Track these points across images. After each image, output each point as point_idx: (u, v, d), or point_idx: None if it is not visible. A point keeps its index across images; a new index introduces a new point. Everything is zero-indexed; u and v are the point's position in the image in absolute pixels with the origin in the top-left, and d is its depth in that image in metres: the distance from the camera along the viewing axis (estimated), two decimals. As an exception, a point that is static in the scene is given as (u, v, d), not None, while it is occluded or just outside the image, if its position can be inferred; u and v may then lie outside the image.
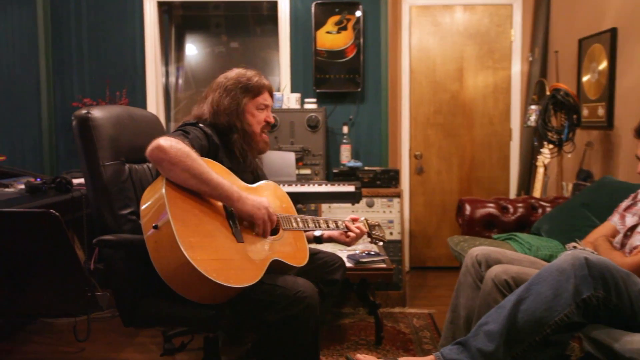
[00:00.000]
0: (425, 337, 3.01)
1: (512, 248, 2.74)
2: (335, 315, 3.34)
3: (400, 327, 3.16)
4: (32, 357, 2.80)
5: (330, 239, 2.18)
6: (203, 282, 1.51)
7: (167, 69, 4.56)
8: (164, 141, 1.61)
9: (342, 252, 2.95)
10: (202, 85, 4.64)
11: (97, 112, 1.77)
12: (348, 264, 2.75)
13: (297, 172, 3.66)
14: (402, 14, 4.32)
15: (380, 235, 2.27)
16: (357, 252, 2.98)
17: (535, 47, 4.18)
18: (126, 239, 1.70)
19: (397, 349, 2.85)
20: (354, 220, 2.18)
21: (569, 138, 3.45)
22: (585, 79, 3.57)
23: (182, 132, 1.81)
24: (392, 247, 3.62)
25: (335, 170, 3.83)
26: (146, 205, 1.64)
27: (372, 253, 2.96)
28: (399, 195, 3.71)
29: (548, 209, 3.18)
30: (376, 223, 2.31)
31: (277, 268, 1.78)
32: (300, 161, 3.77)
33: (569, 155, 3.56)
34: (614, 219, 2.31)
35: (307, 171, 3.80)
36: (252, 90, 1.98)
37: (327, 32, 4.07)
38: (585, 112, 3.54)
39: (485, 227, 3.21)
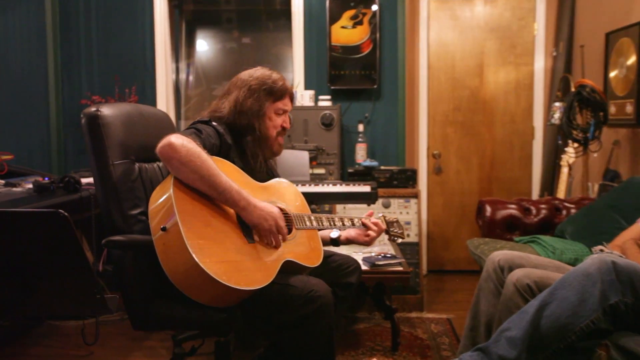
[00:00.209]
0: (443, 344, 2.99)
1: (535, 251, 2.72)
2: (350, 320, 3.34)
3: (418, 333, 3.14)
4: (40, 360, 2.84)
5: (348, 241, 2.16)
6: (213, 285, 1.52)
7: (178, 65, 4.59)
8: (176, 139, 1.61)
9: (358, 254, 2.95)
10: (213, 82, 4.67)
11: (107, 110, 1.78)
12: (363, 267, 2.74)
13: (310, 171, 3.66)
14: (420, 7, 4.31)
15: (399, 232, 2.26)
16: (373, 254, 2.98)
17: (560, 42, 4.14)
18: (136, 239, 1.72)
19: (414, 355, 2.84)
20: (369, 216, 2.17)
21: (595, 136, 3.42)
22: (612, 74, 3.53)
23: (195, 130, 1.82)
24: (409, 250, 3.61)
25: (350, 170, 3.83)
26: (154, 206, 1.65)
27: (389, 255, 2.95)
28: (416, 195, 3.70)
29: (573, 211, 3.16)
30: (394, 219, 2.29)
31: (289, 269, 1.78)
32: (314, 160, 3.77)
33: (595, 155, 3.53)
34: (643, 221, 2.28)
35: (321, 171, 3.80)
36: (275, 94, 1.98)
37: (342, 27, 4.07)
38: (612, 109, 3.50)
39: (506, 230, 3.19)
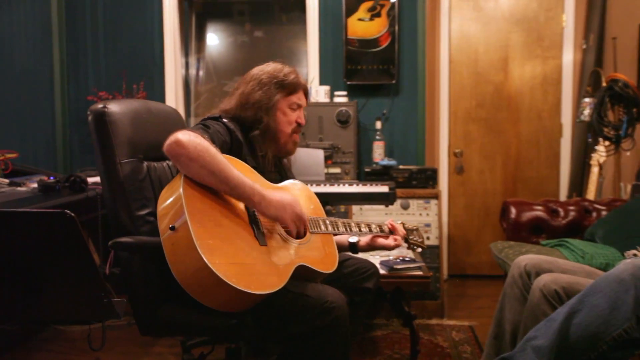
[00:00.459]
0: (465, 352, 2.97)
1: (563, 255, 2.70)
2: (367, 326, 3.33)
3: (438, 341, 3.13)
4: (45, 366, 2.88)
5: (369, 247, 2.16)
6: (222, 288, 1.52)
7: (187, 60, 4.61)
8: (183, 135, 1.62)
9: (375, 258, 2.94)
10: (224, 78, 4.69)
11: (114, 107, 1.79)
12: (381, 271, 2.73)
13: (325, 171, 3.66)
14: (441, -2, 4.30)
15: (419, 240, 2.25)
16: (391, 257, 2.97)
17: (590, 34, 4.09)
18: (144, 241, 1.72)
19: (435, 364, 2.83)
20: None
21: (627, 134, 3.39)
22: (646, 68, 3.49)
23: (202, 126, 1.83)
24: (429, 253, 3.60)
25: (367, 169, 3.83)
26: (163, 205, 1.65)
27: (407, 259, 2.94)
28: (436, 196, 3.68)
29: (603, 213, 3.13)
30: (414, 227, 2.29)
31: (303, 274, 1.78)
32: (329, 159, 3.77)
33: (628, 153, 3.49)
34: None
35: (337, 170, 3.80)
36: (287, 88, 1.99)
37: (359, 20, 4.06)
38: (646, 105, 3.45)
39: (532, 232, 3.17)
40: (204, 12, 4.73)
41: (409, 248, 2.25)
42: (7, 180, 2.87)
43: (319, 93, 3.94)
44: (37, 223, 1.55)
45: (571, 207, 3.21)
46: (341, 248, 2.09)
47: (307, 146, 3.72)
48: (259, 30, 4.70)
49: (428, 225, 3.65)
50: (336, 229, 1.99)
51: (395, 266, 2.84)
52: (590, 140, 3.85)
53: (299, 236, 1.84)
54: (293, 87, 2.00)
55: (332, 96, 3.98)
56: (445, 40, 4.32)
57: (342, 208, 3.66)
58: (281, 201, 1.73)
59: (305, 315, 1.69)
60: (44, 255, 1.59)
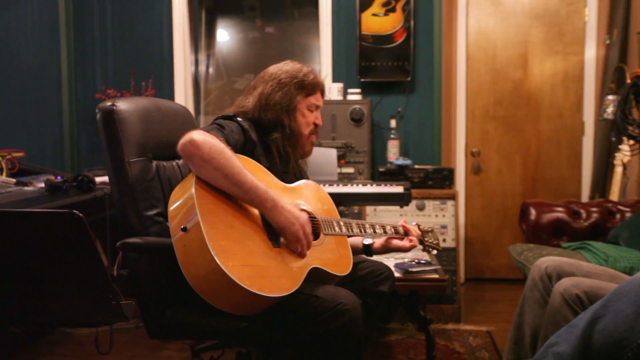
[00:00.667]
0: (482, 358, 2.96)
1: (585, 259, 2.68)
2: (381, 331, 3.32)
3: (455, 346, 3.12)
4: (52, 369, 2.90)
5: (384, 249, 2.15)
6: (235, 291, 1.52)
7: (197, 56, 4.63)
8: (198, 135, 1.63)
9: (389, 260, 2.93)
10: (235, 75, 4.70)
11: (123, 104, 1.80)
12: (396, 274, 2.73)
13: (338, 170, 3.66)
14: (458, -8, 4.28)
15: (434, 242, 2.25)
16: (406, 260, 2.96)
17: (614, 29, 4.06)
18: (153, 242, 1.73)
19: (451, 370, 2.82)
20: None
21: (653, 133, 3.36)
22: (672, 64, 3.45)
23: (217, 126, 1.83)
24: (445, 256, 3.58)
25: (381, 169, 3.82)
26: (175, 205, 1.66)
27: (423, 262, 2.93)
28: (453, 197, 3.67)
29: (628, 215, 3.11)
30: (429, 229, 2.28)
31: (316, 277, 1.78)
32: (342, 158, 3.77)
33: (653, 153, 3.46)
34: None
35: (350, 170, 3.80)
36: (307, 88, 2.00)
37: (374, 15, 4.06)
38: (672, 102, 3.42)
39: (553, 235, 3.15)
40: (214, 8, 4.74)
41: (424, 250, 2.25)
42: (13, 180, 2.89)
43: (332, 90, 3.94)
44: (45, 223, 1.56)
45: (594, 209, 3.18)
46: (355, 250, 2.09)
47: (320, 145, 3.71)
48: (270, 26, 4.71)
49: (444, 226, 3.64)
50: (350, 231, 2.00)
51: (410, 269, 2.83)
52: (613, 139, 3.81)
53: (313, 237, 1.84)
54: (312, 87, 2.01)
55: (345, 94, 3.98)
56: (463, 36, 4.30)
57: (356, 209, 3.66)
58: (293, 214, 1.72)
59: (317, 317, 1.69)
60: (51, 256, 1.60)
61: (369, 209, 3.67)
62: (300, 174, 2.11)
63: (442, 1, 4.11)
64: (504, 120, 4.36)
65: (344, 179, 3.70)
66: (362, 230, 2.04)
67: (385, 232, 2.12)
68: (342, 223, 1.98)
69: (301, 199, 1.93)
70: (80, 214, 1.43)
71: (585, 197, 4.25)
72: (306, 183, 2.04)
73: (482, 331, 3.36)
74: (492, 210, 4.42)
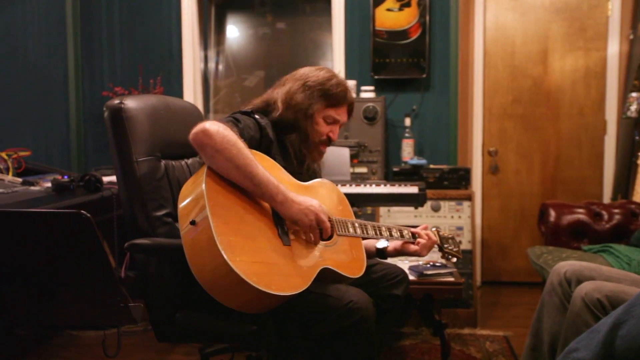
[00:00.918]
0: (500, 365, 2.96)
1: (606, 262, 2.67)
2: (394, 335, 3.32)
3: (471, 351, 3.11)
4: (59, 372, 2.93)
5: (397, 252, 2.15)
6: (242, 287, 1.53)
7: (206, 53, 4.65)
8: (211, 125, 1.64)
9: (404, 263, 2.93)
10: (245, 72, 4.71)
11: (131, 102, 1.82)
12: (410, 277, 2.73)
13: (351, 170, 3.66)
14: (475, -14, 4.27)
15: (454, 249, 2.24)
16: (421, 263, 2.96)
17: (638, 23, 4.03)
18: (162, 243, 1.75)
19: (467, 377, 2.82)
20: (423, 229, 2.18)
21: (678, 131, 3.33)
22: (698, 60, 3.42)
23: (233, 119, 1.85)
24: (461, 258, 3.56)
25: (395, 169, 3.81)
26: (185, 199, 1.68)
27: (438, 264, 2.92)
28: (469, 197, 3.66)
29: (651, 216, 3.08)
30: (449, 235, 2.28)
31: (327, 278, 1.79)
32: (355, 158, 3.77)
33: (678, 152, 3.43)
34: None
35: (364, 169, 3.80)
36: (330, 99, 1.99)
37: (388, 10, 4.05)
38: (698, 100, 3.39)
39: (573, 237, 3.14)
40: (224, 3, 4.76)
41: (443, 257, 2.25)
42: (20, 179, 2.92)
43: (345, 88, 3.94)
44: (52, 224, 1.58)
45: (616, 210, 3.17)
46: (368, 253, 2.09)
47: (332, 144, 3.72)
48: (281, 21, 4.72)
49: (460, 228, 3.63)
50: (365, 233, 1.99)
51: (425, 272, 2.83)
52: (637, 137, 3.78)
53: (325, 238, 1.84)
54: (336, 100, 2.00)
55: (358, 91, 3.98)
56: (480, 32, 4.29)
57: (369, 210, 3.65)
58: (305, 204, 1.74)
59: (328, 316, 1.70)
60: (59, 257, 1.62)
61: (382, 209, 3.66)
62: (315, 175, 2.12)
63: (458, -5, 4.10)
64: (523, 119, 4.34)
65: (357, 179, 3.70)
66: (378, 233, 2.04)
67: (402, 235, 2.12)
68: (356, 224, 1.98)
69: (316, 198, 1.94)
70: (88, 215, 1.45)
71: (607, 198, 4.22)
72: (321, 182, 2.04)
73: (499, 336, 3.34)
74: (509, 212, 4.40)
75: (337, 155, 3.37)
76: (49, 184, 2.80)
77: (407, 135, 4.01)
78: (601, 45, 4.24)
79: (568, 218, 3.14)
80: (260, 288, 1.52)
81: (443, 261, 3.02)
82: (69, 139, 4.40)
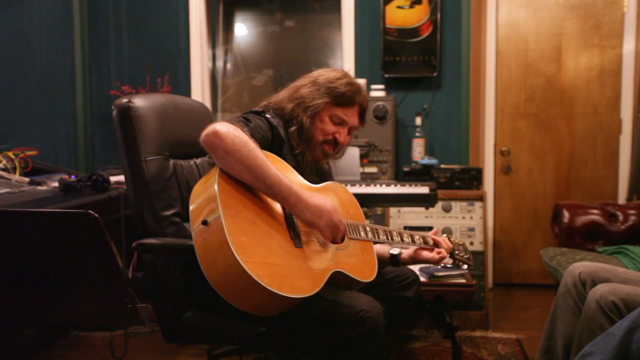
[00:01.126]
0: (512, 368, 2.95)
1: (621, 264, 2.66)
2: (405, 337, 3.32)
3: (482, 354, 3.11)
4: (66, 373, 2.95)
5: (411, 260, 2.15)
6: (253, 288, 1.53)
7: (214, 52, 4.66)
8: (221, 126, 1.65)
9: (414, 265, 2.93)
10: (253, 70, 4.72)
11: (140, 101, 1.83)
12: (421, 279, 2.72)
13: (361, 170, 3.66)
14: (488, -17, 4.25)
15: (466, 256, 2.24)
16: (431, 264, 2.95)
17: (653, 21, 4.01)
18: (170, 242, 1.75)
19: (479, 380, 2.81)
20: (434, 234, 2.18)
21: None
22: None
23: (243, 119, 1.86)
24: (473, 260, 3.55)
25: (406, 169, 3.81)
26: (196, 199, 1.68)
27: (449, 266, 2.92)
28: (481, 198, 3.65)
29: (668, 218, 3.06)
30: (460, 242, 2.28)
31: (339, 281, 1.79)
32: (365, 158, 3.77)
33: (695, 152, 3.40)
34: None
35: (373, 169, 3.80)
36: (337, 98, 1.99)
37: (398, 7, 4.05)
38: None
39: (587, 238, 3.12)
40: (232, 1, 4.77)
41: (454, 264, 2.25)
42: (27, 179, 2.94)
43: (355, 86, 3.94)
44: (59, 224, 1.58)
45: (631, 211, 3.15)
46: (381, 260, 2.08)
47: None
48: (290, 19, 4.72)
49: (472, 229, 3.62)
50: (376, 237, 1.99)
51: (436, 273, 2.83)
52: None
53: (336, 241, 1.84)
54: (343, 100, 2.00)
55: (368, 90, 3.98)
56: (492, 29, 4.27)
57: (379, 210, 3.65)
58: (318, 206, 1.75)
59: (338, 324, 1.69)
60: (66, 257, 1.62)
61: (392, 210, 3.66)
62: (326, 175, 2.12)
63: (470, -8, 4.09)
64: (536, 118, 4.33)
65: (367, 179, 3.70)
66: (389, 238, 2.04)
67: (413, 241, 2.12)
68: (368, 228, 1.98)
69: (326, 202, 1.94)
70: (96, 215, 1.45)
71: (622, 198, 4.20)
72: (332, 184, 2.04)
73: (511, 339, 3.34)
74: (522, 212, 4.39)
75: (346, 155, 3.34)
76: (56, 184, 2.82)
77: (417, 134, 4.01)
78: (616, 43, 4.22)
79: (582, 219, 3.13)
80: (272, 290, 1.52)
81: (452, 260, 3.02)
82: (76, 138, 4.43)
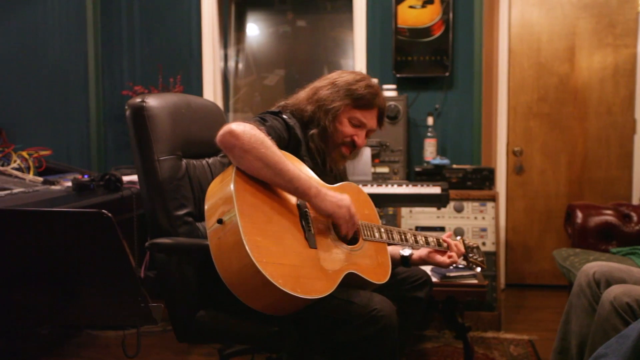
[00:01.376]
0: (525, 369, 2.93)
1: (636, 265, 2.64)
2: (416, 338, 3.31)
3: (494, 355, 3.09)
4: (79, 372, 2.97)
5: (422, 262, 2.15)
6: (267, 289, 1.53)
7: (226, 52, 4.68)
8: (237, 126, 1.66)
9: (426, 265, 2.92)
10: (265, 70, 4.73)
11: (153, 101, 1.84)
12: (433, 279, 2.72)
13: (373, 170, 3.65)
14: (500, -18, 4.24)
15: (479, 259, 2.24)
16: (444, 265, 2.95)
17: (668, 20, 3.97)
18: (183, 242, 1.76)
19: (491, 381, 2.80)
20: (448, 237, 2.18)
21: None
22: None
23: (259, 119, 1.86)
24: (486, 269, 3.54)
25: (417, 169, 3.80)
26: (212, 198, 1.69)
27: (461, 266, 2.91)
28: (493, 198, 3.63)
29: (682, 218, 3.04)
30: (474, 245, 2.27)
31: (352, 282, 1.79)
32: (376, 158, 3.77)
33: None
34: None
35: (385, 169, 3.79)
36: (356, 100, 1.99)
37: (410, 7, 4.04)
38: None
39: (601, 239, 3.11)
40: (244, 1, 4.78)
41: (467, 267, 2.24)
42: (40, 179, 2.96)
43: (366, 86, 3.94)
44: (73, 223, 1.59)
45: (645, 212, 3.13)
46: (392, 261, 2.09)
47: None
48: (301, 19, 4.73)
49: (484, 229, 3.61)
50: (390, 238, 1.99)
51: (448, 274, 2.82)
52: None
53: (350, 242, 1.84)
54: (362, 102, 2.00)
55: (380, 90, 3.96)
56: (505, 29, 4.26)
57: (391, 210, 3.65)
58: (338, 198, 1.76)
59: (350, 323, 1.70)
60: (79, 256, 1.63)
61: (404, 210, 3.65)
62: (340, 177, 2.13)
63: (482, -8, 4.08)
64: (549, 118, 4.30)
65: (379, 179, 3.70)
66: (403, 239, 2.04)
67: (427, 243, 2.12)
68: (382, 230, 1.98)
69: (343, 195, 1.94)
70: (110, 214, 1.46)
71: (636, 199, 4.18)
72: (348, 184, 2.04)
73: (523, 340, 3.32)
74: (535, 213, 4.36)
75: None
76: (69, 184, 2.84)
77: (429, 134, 4.00)
78: (631, 42, 4.19)
79: (595, 220, 3.11)
80: (286, 290, 1.53)
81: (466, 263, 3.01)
82: (89, 138, 4.46)
